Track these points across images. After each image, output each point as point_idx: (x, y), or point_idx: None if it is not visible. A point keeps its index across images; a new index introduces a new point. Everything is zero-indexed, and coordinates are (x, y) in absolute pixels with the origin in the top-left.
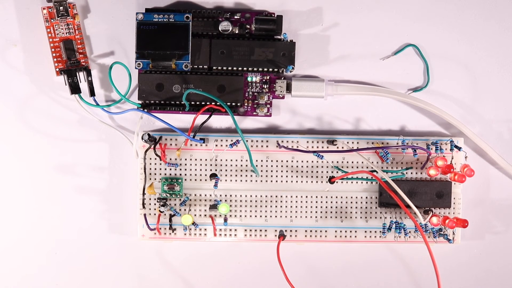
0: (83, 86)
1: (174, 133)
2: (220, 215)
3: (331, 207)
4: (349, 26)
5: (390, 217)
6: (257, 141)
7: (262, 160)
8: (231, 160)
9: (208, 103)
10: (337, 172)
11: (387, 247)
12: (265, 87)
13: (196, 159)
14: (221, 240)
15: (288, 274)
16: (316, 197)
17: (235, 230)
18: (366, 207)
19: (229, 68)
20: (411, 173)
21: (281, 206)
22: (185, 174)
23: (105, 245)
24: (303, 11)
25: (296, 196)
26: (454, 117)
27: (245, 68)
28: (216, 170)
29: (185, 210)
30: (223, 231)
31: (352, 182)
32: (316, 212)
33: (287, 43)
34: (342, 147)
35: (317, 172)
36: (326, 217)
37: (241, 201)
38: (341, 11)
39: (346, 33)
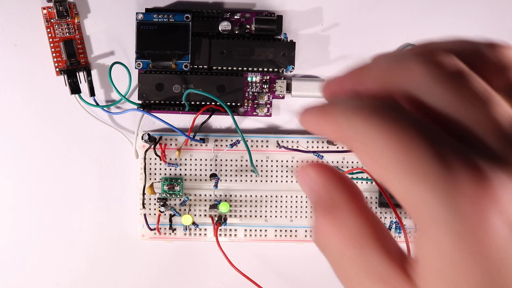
0: (83, 86)
1: (174, 133)
2: (220, 216)
3: None
4: (349, 26)
5: (390, 217)
6: (257, 141)
7: (262, 160)
8: (231, 160)
9: (208, 103)
10: None
11: None
12: (265, 87)
13: (196, 159)
14: (221, 240)
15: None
16: None
17: (235, 230)
18: None
19: (229, 68)
20: None
21: (281, 206)
22: (185, 174)
23: (105, 245)
24: (303, 11)
25: (296, 196)
26: None
27: (245, 68)
28: (216, 170)
29: (185, 210)
30: (223, 231)
31: None
32: None
33: (287, 43)
34: (342, 147)
35: None
36: None
37: (241, 201)
38: (341, 11)
39: (346, 33)
